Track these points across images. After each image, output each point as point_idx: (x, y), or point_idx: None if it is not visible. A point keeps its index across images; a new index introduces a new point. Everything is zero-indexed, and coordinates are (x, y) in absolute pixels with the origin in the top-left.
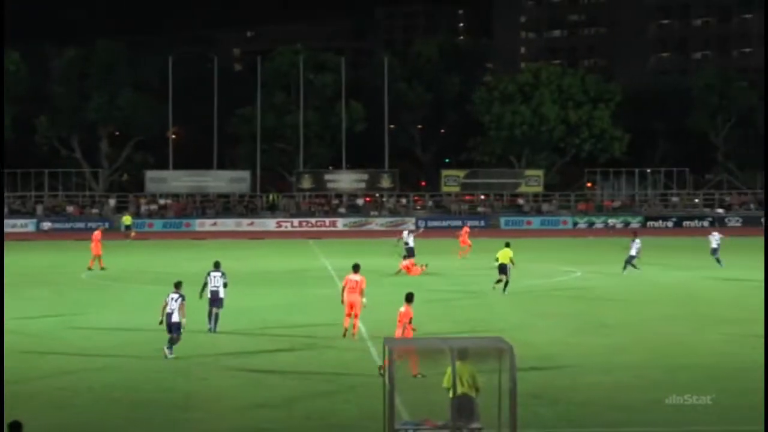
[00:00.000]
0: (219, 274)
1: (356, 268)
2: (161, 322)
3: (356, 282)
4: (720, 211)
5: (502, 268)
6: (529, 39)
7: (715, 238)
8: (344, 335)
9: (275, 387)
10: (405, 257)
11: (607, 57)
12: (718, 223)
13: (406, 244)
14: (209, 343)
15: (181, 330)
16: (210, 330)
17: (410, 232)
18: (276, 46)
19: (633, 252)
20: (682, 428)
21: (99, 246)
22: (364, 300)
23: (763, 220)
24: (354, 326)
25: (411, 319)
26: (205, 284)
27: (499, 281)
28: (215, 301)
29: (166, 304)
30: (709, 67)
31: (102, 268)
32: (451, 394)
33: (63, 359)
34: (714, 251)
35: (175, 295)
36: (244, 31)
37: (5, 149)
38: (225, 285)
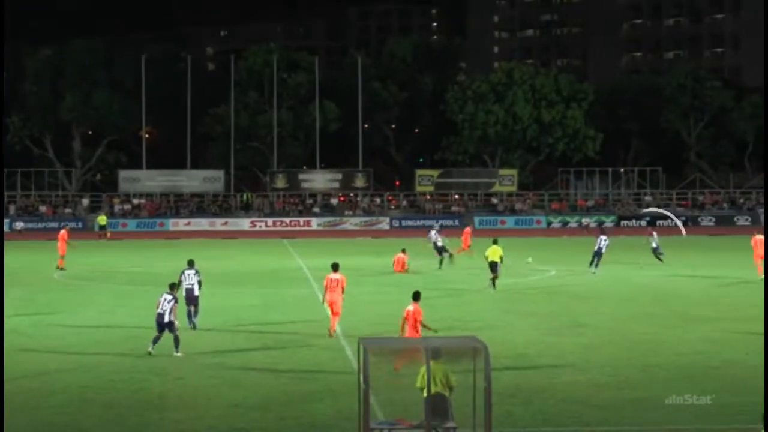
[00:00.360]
0: (193, 272)
1: (335, 267)
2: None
3: (336, 281)
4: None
5: (494, 266)
6: (503, 38)
7: (653, 238)
8: (330, 335)
9: (251, 387)
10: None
11: (580, 57)
12: (690, 222)
13: (435, 244)
14: (185, 342)
15: (175, 329)
16: (191, 327)
17: (437, 232)
18: (250, 46)
19: (602, 247)
20: (658, 427)
21: (65, 246)
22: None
23: (736, 218)
24: (332, 325)
25: (421, 318)
26: (180, 282)
27: (493, 279)
28: (191, 298)
29: (159, 304)
30: (682, 67)
31: (61, 269)
32: (424, 394)
33: (36, 359)
34: (655, 249)
35: (169, 297)
36: (217, 30)
37: None
38: (200, 283)
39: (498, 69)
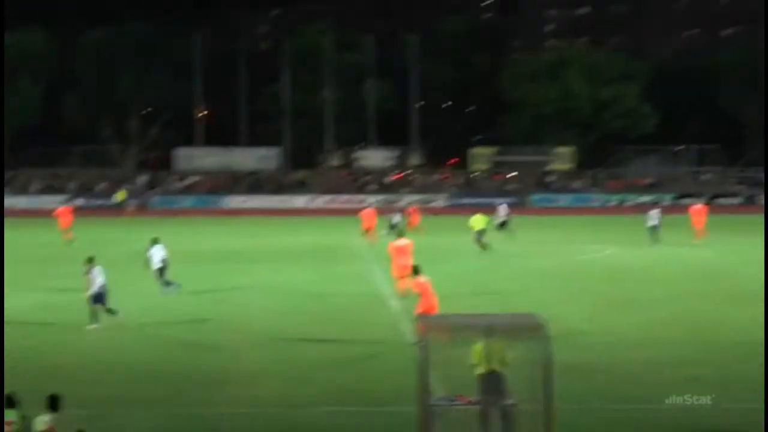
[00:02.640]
0: (161, 246)
1: (401, 234)
2: None
3: (404, 246)
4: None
5: (480, 234)
6: (556, 16)
7: (655, 215)
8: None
9: (308, 362)
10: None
11: (635, 34)
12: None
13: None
14: (244, 318)
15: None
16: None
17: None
18: (303, 25)
19: (655, 222)
20: (717, 405)
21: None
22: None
23: None
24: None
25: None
26: (150, 258)
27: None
28: (163, 270)
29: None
30: (739, 44)
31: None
32: (480, 370)
33: (99, 335)
34: (654, 228)
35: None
36: (270, 9)
37: (37, 127)
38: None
39: (552, 47)
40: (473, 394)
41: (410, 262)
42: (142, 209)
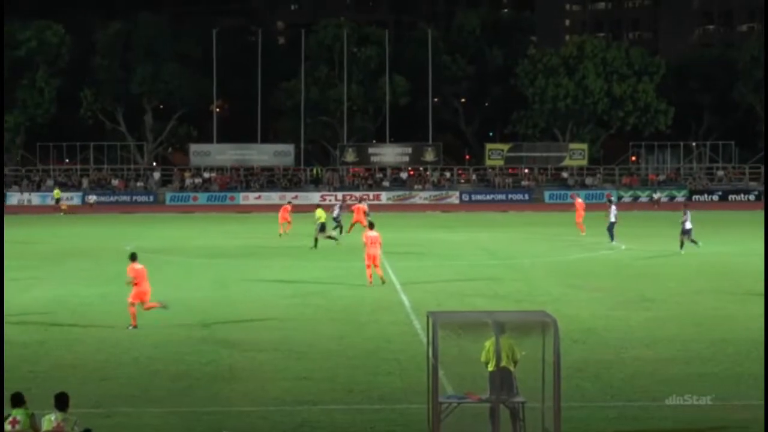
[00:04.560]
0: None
1: (372, 226)
2: None
3: (375, 237)
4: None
5: (322, 227)
6: (573, 11)
7: (613, 212)
8: (371, 283)
9: (318, 359)
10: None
11: (652, 30)
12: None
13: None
14: (252, 315)
15: None
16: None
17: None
18: (320, 19)
19: (687, 225)
20: (727, 402)
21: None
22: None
23: None
24: (379, 275)
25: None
26: None
27: (329, 237)
28: None
29: None
30: (755, 39)
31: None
32: (490, 368)
33: (106, 331)
34: (611, 225)
35: None
36: (288, 3)
37: (52, 122)
38: None
39: (569, 42)
40: (483, 392)
41: (379, 252)
42: (157, 205)
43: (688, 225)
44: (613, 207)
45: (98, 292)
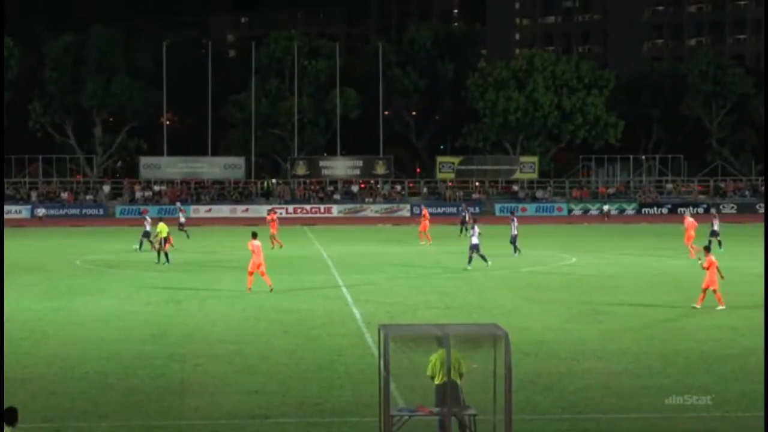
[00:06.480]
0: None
1: (255, 235)
2: None
3: (259, 246)
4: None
5: (164, 240)
6: (523, 25)
7: (514, 225)
8: (250, 290)
9: (270, 373)
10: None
11: (602, 43)
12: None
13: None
14: (204, 329)
15: None
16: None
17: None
18: (270, 32)
19: (715, 227)
20: (677, 413)
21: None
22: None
23: (758, 206)
24: (268, 282)
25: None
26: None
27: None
28: None
29: None
30: (704, 54)
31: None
32: (436, 381)
33: (56, 345)
34: (514, 238)
35: None
36: (238, 16)
37: None
38: None
39: (519, 56)
40: (434, 405)
41: (262, 260)
42: (107, 218)
43: (716, 226)
44: (515, 220)
45: (49, 306)
